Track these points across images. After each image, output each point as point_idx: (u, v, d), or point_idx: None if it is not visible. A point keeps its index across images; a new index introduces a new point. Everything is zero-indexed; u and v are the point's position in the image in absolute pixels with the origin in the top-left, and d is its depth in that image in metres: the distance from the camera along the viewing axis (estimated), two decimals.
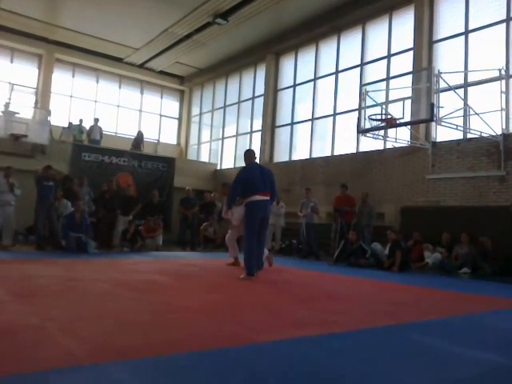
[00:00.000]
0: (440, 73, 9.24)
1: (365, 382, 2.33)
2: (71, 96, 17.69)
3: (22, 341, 2.74)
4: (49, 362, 2.36)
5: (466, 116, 9.58)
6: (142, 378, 2.22)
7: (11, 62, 16.46)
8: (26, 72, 16.75)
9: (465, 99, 9.83)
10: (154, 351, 2.65)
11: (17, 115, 13.34)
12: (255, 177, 6.41)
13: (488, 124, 9.25)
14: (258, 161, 7.41)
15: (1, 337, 2.79)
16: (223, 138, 18.17)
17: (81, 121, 15.59)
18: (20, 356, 2.44)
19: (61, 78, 17.31)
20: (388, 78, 11.43)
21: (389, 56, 12.14)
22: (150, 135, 18.63)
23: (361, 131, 10.37)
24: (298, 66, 15.09)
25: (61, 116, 16.32)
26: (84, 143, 14.96)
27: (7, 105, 13.57)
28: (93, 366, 2.35)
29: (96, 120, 15.95)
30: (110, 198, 11.16)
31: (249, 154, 6.89)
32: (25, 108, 14.85)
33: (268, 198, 6.48)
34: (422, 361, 2.77)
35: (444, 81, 9.28)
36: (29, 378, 2.13)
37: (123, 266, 7.69)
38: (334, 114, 13.45)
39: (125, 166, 14.41)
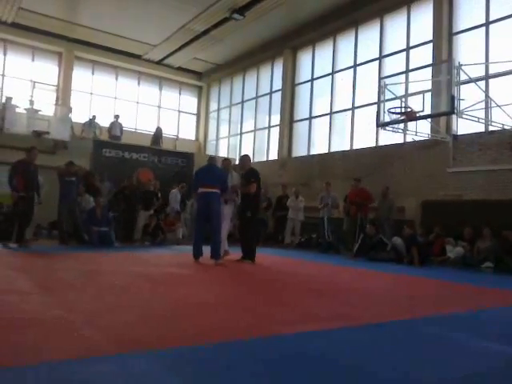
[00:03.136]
0: (460, 65, 9.10)
1: (382, 375, 2.34)
2: (91, 93, 17.91)
3: (48, 331, 2.82)
4: (74, 351, 2.43)
5: (487, 108, 9.41)
6: (164, 368, 2.27)
7: (32, 60, 16.73)
8: (46, 70, 17.00)
9: (486, 91, 9.67)
10: (174, 342, 2.71)
11: (39, 112, 13.59)
12: (203, 173, 7.70)
13: (510, 116, 9.08)
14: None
15: (28, 327, 2.88)
16: (241, 134, 18.20)
17: (94, 117, 15.67)
18: (46, 345, 2.52)
19: (81, 76, 17.52)
20: (407, 71, 11.28)
21: (408, 49, 11.98)
22: (168, 131, 18.75)
23: (380, 125, 10.28)
24: (316, 60, 15.00)
25: (81, 113, 16.52)
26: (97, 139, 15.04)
27: (31, 102, 13.82)
28: (116, 356, 2.40)
29: (116, 116, 16.11)
30: (130, 193, 11.31)
31: (209, 159, 8.21)
32: (46, 105, 15.11)
33: (213, 190, 7.37)
34: (441, 354, 2.76)
35: (465, 73, 9.13)
36: (55, 367, 2.19)
37: (144, 259, 7.80)
38: (353, 108, 13.35)
39: (145, 161, 14.56)
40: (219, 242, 7.38)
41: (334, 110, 14.09)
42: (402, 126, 10.36)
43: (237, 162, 10.36)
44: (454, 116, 9.66)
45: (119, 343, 2.63)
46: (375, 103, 10.93)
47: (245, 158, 8.39)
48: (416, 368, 2.46)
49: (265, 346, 2.75)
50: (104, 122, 15.89)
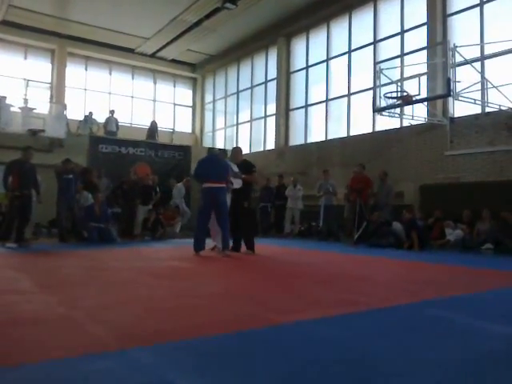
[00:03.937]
0: (455, 46, 9.05)
1: (389, 360, 2.34)
2: (85, 89, 17.81)
3: (51, 329, 2.81)
4: (78, 348, 2.42)
5: (483, 90, 9.39)
6: (169, 361, 2.26)
7: (25, 58, 16.63)
8: (39, 67, 16.91)
9: (482, 72, 9.62)
10: (179, 335, 2.70)
11: (34, 111, 13.53)
12: (208, 167, 7.37)
13: (507, 97, 9.05)
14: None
15: (31, 326, 2.87)
16: (237, 124, 18.14)
17: (90, 113, 15.58)
18: (50, 344, 2.51)
19: (74, 72, 17.43)
20: (402, 55, 11.24)
21: (402, 32, 11.90)
22: (164, 124, 18.69)
23: (376, 110, 10.25)
24: (310, 48, 14.92)
25: (77, 109, 16.45)
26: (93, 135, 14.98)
27: (25, 101, 13.76)
28: (121, 351, 2.40)
29: (112, 112, 16.03)
30: (128, 188, 11.30)
31: (208, 150, 8.07)
32: (41, 103, 15.04)
33: (220, 185, 7.22)
34: (446, 336, 2.76)
35: (460, 54, 9.08)
36: (59, 365, 2.19)
37: (145, 254, 7.81)
38: (349, 94, 13.30)
39: (142, 156, 14.53)
40: (228, 233, 7.36)
41: (330, 96, 14.04)
42: (398, 110, 10.33)
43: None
44: (451, 99, 9.63)
45: (123, 338, 2.62)
46: (371, 88, 10.88)
47: (237, 151, 8.39)
48: (419, 351, 2.47)
49: (273, 334, 2.74)
50: (99, 117, 15.81)
